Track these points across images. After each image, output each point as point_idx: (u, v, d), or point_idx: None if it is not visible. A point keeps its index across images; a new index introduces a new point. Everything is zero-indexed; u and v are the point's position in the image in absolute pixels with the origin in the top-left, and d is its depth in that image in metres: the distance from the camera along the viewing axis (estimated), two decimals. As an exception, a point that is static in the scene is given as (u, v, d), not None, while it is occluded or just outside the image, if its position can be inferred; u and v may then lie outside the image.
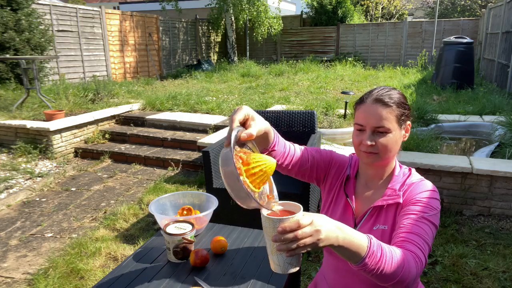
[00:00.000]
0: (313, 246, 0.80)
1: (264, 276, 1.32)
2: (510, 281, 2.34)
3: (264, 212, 0.84)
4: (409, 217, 1.06)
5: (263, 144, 1.12)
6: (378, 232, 1.16)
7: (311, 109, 5.97)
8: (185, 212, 1.59)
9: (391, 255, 0.90)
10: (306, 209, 2.59)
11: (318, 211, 3.27)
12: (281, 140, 1.19)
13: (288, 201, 0.89)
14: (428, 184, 1.15)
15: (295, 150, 1.25)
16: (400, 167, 1.23)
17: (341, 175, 1.30)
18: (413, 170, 1.23)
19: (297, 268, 0.84)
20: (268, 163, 0.88)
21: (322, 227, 0.80)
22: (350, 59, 13.74)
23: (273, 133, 1.14)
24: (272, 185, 0.97)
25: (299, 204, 0.85)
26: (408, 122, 1.17)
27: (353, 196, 1.25)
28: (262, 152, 1.09)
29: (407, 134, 1.19)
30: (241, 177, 0.81)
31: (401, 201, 1.14)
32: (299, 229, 0.78)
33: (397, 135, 1.14)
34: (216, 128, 5.24)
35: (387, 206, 1.17)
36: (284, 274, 0.94)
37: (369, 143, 1.11)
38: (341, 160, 1.32)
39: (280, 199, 0.97)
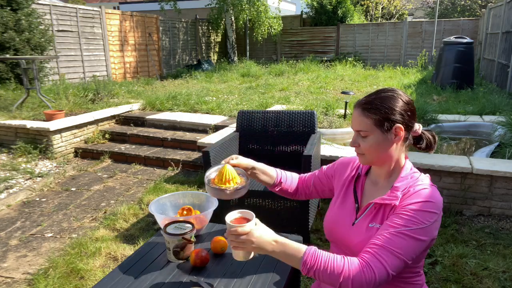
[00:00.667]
0: (249, 249, 1.12)
1: (264, 276, 1.32)
2: (510, 281, 2.34)
3: (227, 219, 1.16)
4: (388, 229, 1.09)
5: (267, 181, 1.43)
6: (373, 230, 1.17)
7: (311, 109, 5.97)
8: (185, 212, 1.59)
9: (327, 265, 1.04)
10: (306, 208, 2.59)
11: (317, 207, 3.27)
12: (288, 175, 1.48)
13: (247, 210, 1.20)
14: (430, 194, 1.12)
15: (302, 179, 1.50)
16: (411, 169, 1.22)
17: (346, 175, 1.38)
18: (423, 176, 1.21)
19: (245, 259, 1.17)
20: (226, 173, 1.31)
21: (256, 238, 1.09)
22: (350, 59, 13.74)
23: (275, 171, 1.44)
24: (240, 178, 1.34)
25: (253, 214, 1.17)
26: (398, 125, 1.16)
27: (361, 192, 1.30)
28: (271, 188, 1.46)
29: (400, 137, 1.18)
30: (211, 184, 1.30)
31: (397, 203, 1.15)
32: (238, 235, 1.09)
33: (379, 138, 1.17)
34: (216, 128, 5.24)
35: (385, 206, 1.18)
36: (241, 262, 1.28)
37: (350, 145, 1.24)
38: (344, 161, 1.42)
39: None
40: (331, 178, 1.44)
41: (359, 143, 1.20)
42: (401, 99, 1.18)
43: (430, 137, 1.27)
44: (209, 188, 1.29)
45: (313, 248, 1.09)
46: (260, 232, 1.11)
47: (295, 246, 1.09)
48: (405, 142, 1.22)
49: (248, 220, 1.16)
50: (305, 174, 1.53)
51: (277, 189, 1.45)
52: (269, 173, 1.42)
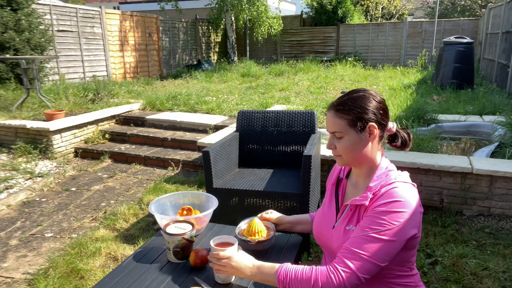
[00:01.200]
0: (229, 273, 1.21)
1: (264, 276, 1.32)
2: (510, 281, 2.34)
3: (211, 243, 1.27)
4: (358, 233, 1.12)
5: (306, 229, 1.51)
6: (350, 233, 1.18)
7: (311, 109, 5.97)
8: (185, 212, 1.59)
9: (297, 276, 1.10)
10: (306, 208, 2.59)
11: (317, 208, 3.26)
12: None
13: (231, 236, 1.32)
14: (398, 193, 1.11)
15: None
16: (386, 168, 1.22)
17: (332, 180, 1.40)
18: (398, 174, 1.20)
19: (223, 282, 1.25)
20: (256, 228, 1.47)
21: (235, 263, 1.18)
22: (350, 59, 13.73)
23: (309, 217, 1.52)
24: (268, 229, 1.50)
25: (236, 240, 1.29)
26: (371, 124, 1.18)
27: (343, 195, 1.32)
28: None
29: (374, 136, 1.19)
30: (239, 234, 1.48)
31: (367, 203, 1.16)
32: (220, 258, 1.20)
33: (355, 138, 1.19)
34: (216, 128, 5.24)
35: (360, 207, 1.19)
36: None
37: (327, 148, 1.26)
38: (335, 168, 1.44)
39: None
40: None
41: (335, 145, 1.22)
42: (372, 98, 1.20)
43: (405, 135, 1.29)
44: (237, 237, 1.43)
45: (286, 264, 1.16)
46: (240, 258, 1.20)
47: (269, 266, 1.17)
48: (381, 140, 1.23)
49: (231, 245, 1.26)
50: None
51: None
52: (303, 220, 1.51)
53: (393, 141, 1.29)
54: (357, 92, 1.22)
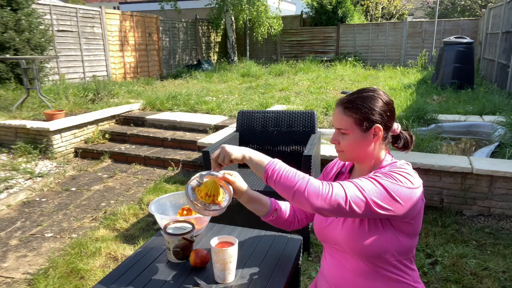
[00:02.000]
0: (227, 159, 1.21)
1: (264, 276, 1.32)
2: (510, 281, 2.34)
3: (212, 243, 1.26)
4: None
5: (259, 209, 1.38)
6: (356, 220, 1.19)
7: (311, 109, 5.97)
8: (185, 212, 1.59)
9: (288, 172, 1.11)
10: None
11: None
12: (282, 203, 1.43)
13: (230, 236, 1.30)
14: (405, 167, 1.17)
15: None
16: (392, 160, 1.24)
17: (330, 176, 1.41)
18: (402, 161, 1.23)
19: (225, 282, 1.25)
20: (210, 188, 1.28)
21: (228, 148, 1.21)
22: (350, 59, 13.74)
23: (268, 200, 1.40)
24: (225, 193, 1.31)
25: (236, 241, 1.26)
26: (377, 125, 1.19)
27: None
28: (265, 218, 1.41)
29: (379, 137, 1.21)
30: (193, 195, 1.26)
31: None
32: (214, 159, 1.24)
33: (359, 137, 1.20)
34: (216, 128, 5.24)
35: None
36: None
37: (331, 142, 1.26)
38: (331, 164, 1.45)
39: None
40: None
41: (339, 141, 1.24)
42: (381, 99, 1.21)
43: (408, 136, 1.30)
44: (186, 192, 1.26)
45: (276, 159, 1.18)
46: (231, 146, 1.23)
47: (259, 158, 1.20)
48: (384, 141, 1.25)
49: (231, 245, 1.26)
50: None
51: (272, 218, 1.41)
52: (263, 201, 1.39)
53: (396, 142, 1.30)
54: (367, 92, 1.22)
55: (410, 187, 1.11)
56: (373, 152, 1.23)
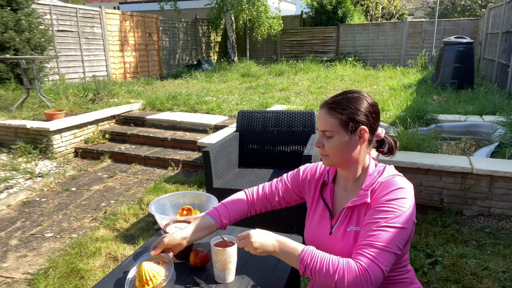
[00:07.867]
0: (251, 250, 1.15)
1: (264, 276, 1.32)
2: (510, 281, 2.34)
3: (212, 243, 1.26)
4: (371, 227, 1.10)
5: (210, 233, 1.34)
6: (351, 234, 1.18)
7: (311, 109, 5.97)
8: (185, 212, 1.59)
9: (322, 264, 1.06)
10: (305, 207, 2.58)
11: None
12: (229, 206, 1.38)
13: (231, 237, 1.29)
14: (398, 182, 1.15)
15: (255, 199, 1.44)
16: (376, 165, 1.24)
17: (318, 183, 1.37)
18: (388, 166, 1.23)
19: (225, 282, 1.27)
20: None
21: (257, 243, 1.14)
22: (350, 59, 13.74)
23: (213, 220, 1.33)
24: (161, 268, 1.23)
25: (236, 241, 1.24)
26: (363, 127, 1.18)
27: (332, 200, 1.30)
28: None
29: (364, 139, 1.20)
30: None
31: (368, 200, 1.17)
32: (240, 240, 1.18)
33: (344, 139, 1.18)
34: (216, 128, 5.24)
35: (359, 207, 1.20)
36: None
37: (315, 145, 1.24)
38: (311, 170, 1.40)
39: None
40: (300, 187, 1.42)
41: (323, 144, 1.21)
42: (366, 100, 1.20)
43: (392, 142, 1.30)
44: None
45: (311, 247, 1.12)
46: (260, 236, 1.16)
47: (292, 246, 1.13)
48: (369, 145, 1.24)
49: (231, 245, 1.26)
50: (253, 189, 1.46)
51: (226, 229, 1.41)
52: (207, 224, 1.32)
53: (380, 147, 1.29)
54: (352, 93, 1.22)
55: (411, 204, 1.12)
56: (358, 156, 1.22)
